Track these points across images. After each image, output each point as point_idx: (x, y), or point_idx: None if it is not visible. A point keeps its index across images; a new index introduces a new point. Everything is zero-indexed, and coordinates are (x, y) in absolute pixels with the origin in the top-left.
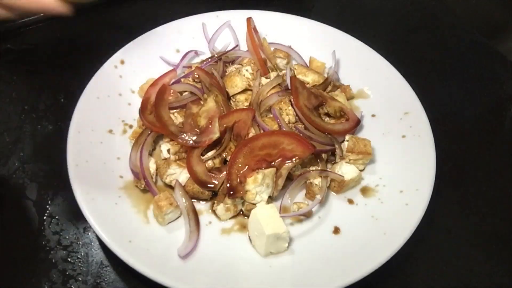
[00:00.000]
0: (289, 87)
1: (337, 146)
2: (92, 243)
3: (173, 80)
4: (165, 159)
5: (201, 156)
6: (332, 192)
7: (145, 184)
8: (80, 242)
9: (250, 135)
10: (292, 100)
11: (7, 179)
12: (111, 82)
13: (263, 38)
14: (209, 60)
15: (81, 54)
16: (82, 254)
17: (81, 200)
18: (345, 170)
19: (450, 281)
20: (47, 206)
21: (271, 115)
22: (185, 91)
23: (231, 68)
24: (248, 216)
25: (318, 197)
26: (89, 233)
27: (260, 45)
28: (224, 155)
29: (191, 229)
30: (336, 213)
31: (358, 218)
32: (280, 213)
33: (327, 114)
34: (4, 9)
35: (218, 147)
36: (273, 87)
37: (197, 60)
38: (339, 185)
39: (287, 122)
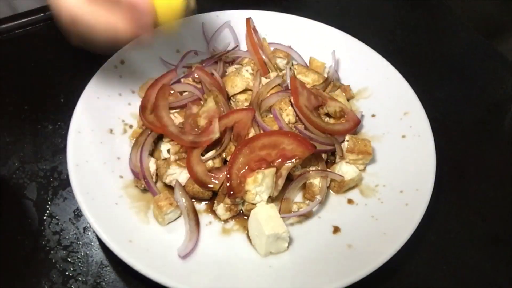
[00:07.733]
0: (289, 87)
1: (337, 146)
2: (92, 243)
3: (173, 80)
4: (165, 159)
5: (201, 156)
6: (332, 192)
7: (145, 184)
8: (80, 242)
9: (250, 135)
10: (292, 100)
11: (7, 179)
12: (111, 82)
13: (263, 38)
14: (209, 60)
15: (81, 54)
16: (82, 254)
17: (81, 200)
18: (345, 170)
19: (450, 281)
20: (47, 206)
21: (271, 115)
22: (185, 91)
23: (231, 68)
24: (248, 216)
25: (318, 197)
26: (89, 233)
27: (260, 45)
28: (224, 155)
29: (191, 229)
30: (336, 213)
31: (358, 218)
32: (280, 213)
33: (327, 114)
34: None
35: (218, 147)
36: (273, 87)
37: (197, 60)
38: (339, 185)
39: (287, 122)
